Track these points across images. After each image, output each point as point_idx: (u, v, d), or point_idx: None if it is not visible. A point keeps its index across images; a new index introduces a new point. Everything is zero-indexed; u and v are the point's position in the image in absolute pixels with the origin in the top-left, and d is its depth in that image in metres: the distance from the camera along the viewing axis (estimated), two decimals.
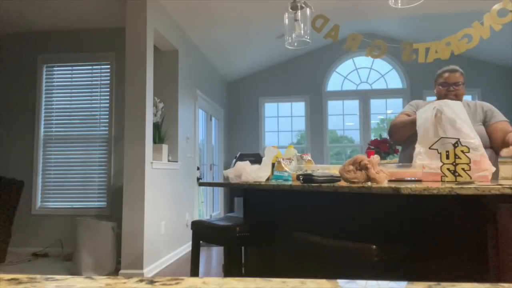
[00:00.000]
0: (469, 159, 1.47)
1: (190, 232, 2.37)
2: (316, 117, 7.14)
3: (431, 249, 1.56)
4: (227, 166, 6.78)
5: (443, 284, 0.35)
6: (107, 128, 4.57)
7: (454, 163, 1.49)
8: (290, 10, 2.73)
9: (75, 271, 3.59)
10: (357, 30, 4.01)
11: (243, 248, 2.41)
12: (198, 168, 5.30)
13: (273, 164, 2.13)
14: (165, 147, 3.96)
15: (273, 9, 4.18)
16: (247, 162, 2.14)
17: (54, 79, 4.75)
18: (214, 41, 5.39)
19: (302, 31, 2.71)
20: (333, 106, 7.22)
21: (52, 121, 4.69)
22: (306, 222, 2.03)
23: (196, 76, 5.30)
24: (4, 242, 3.97)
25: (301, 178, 1.71)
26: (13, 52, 4.75)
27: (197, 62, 5.44)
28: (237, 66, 6.86)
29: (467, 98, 2.47)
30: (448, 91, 2.27)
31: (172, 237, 4.16)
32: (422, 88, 6.74)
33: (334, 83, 7.23)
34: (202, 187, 5.58)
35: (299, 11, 2.70)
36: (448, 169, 1.50)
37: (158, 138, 3.93)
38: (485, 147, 1.70)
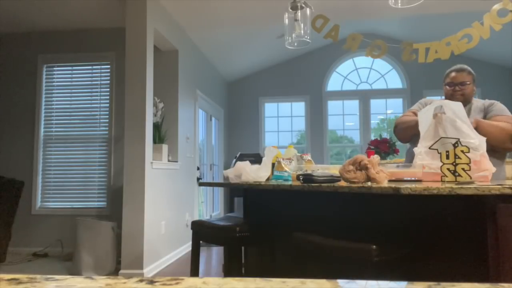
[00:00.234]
0: (469, 159, 1.47)
1: (190, 232, 2.37)
2: (316, 117, 7.14)
3: (431, 249, 1.56)
4: (227, 166, 6.78)
5: (443, 284, 0.35)
6: (107, 128, 4.57)
7: (454, 163, 1.49)
8: (290, 10, 2.73)
9: (75, 271, 3.59)
10: (357, 30, 4.01)
11: (243, 248, 2.41)
12: (198, 168, 5.30)
13: (273, 164, 2.13)
14: (165, 147, 3.96)
15: (273, 9, 4.18)
16: (247, 162, 2.14)
17: (54, 79, 4.75)
18: (214, 41, 5.39)
19: (302, 31, 2.71)
20: (333, 106, 7.22)
21: (52, 121, 4.69)
22: (306, 222, 2.02)
23: (196, 76, 5.30)
24: (4, 242, 3.97)
25: (301, 178, 1.71)
26: (13, 52, 4.75)
27: (197, 62, 5.44)
28: (237, 66, 6.86)
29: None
30: (454, 91, 2.25)
31: (172, 237, 4.16)
32: (422, 88, 6.74)
33: (334, 83, 7.23)
34: (202, 187, 5.58)
35: (299, 11, 2.70)
36: (448, 169, 1.50)
37: (158, 138, 3.93)
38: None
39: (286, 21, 2.81)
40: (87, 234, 3.64)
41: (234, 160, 5.86)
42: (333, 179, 1.64)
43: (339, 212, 1.94)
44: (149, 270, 3.52)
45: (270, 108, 7.45)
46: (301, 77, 7.19)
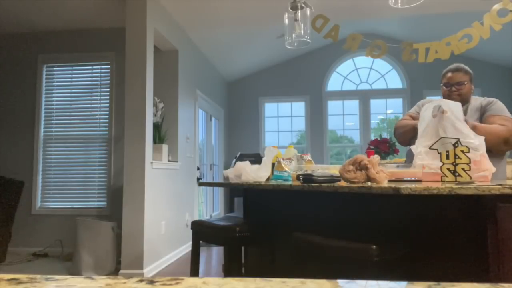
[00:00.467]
0: (469, 159, 1.47)
1: (190, 232, 2.36)
2: (316, 117, 7.14)
3: (431, 249, 1.56)
4: (227, 166, 6.78)
5: (443, 284, 0.35)
6: (107, 128, 4.57)
7: (454, 163, 1.49)
8: (290, 10, 2.73)
9: (75, 271, 3.59)
10: (357, 30, 4.01)
11: (243, 248, 2.41)
12: (198, 168, 5.30)
13: (273, 164, 2.13)
14: (165, 147, 3.96)
15: (273, 9, 4.18)
16: (247, 162, 2.14)
17: (54, 79, 4.75)
18: (214, 41, 5.39)
19: (302, 31, 2.71)
20: (333, 106, 7.22)
21: (52, 121, 4.69)
22: (306, 222, 2.03)
23: (196, 76, 5.30)
24: (4, 242, 3.97)
25: (301, 178, 1.71)
26: (13, 52, 4.75)
27: (197, 62, 5.44)
28: (237, 66, 6.86)
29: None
30: (451, 92, 2.23)
31: (172, 237, 4.16)
32: (422, 88, 6.74)
33: (334, 83, 7.23)
34: (202, 187, 5.58)
35: (299, 11, 2.70)
36: (448, 169, 1.50)
37: (158, 138, 3.93)
38: None
39: (286, 21, 2.81)
40: (87, 234, 3.64)
41: (234, 160, 5.86)
42: (333, 179, 1.64)
43: (339, 212, 1.94)
44: (149, 270, 3.52)
45: (270, 108, 7.45)
46: (301, 77, 7.18)
